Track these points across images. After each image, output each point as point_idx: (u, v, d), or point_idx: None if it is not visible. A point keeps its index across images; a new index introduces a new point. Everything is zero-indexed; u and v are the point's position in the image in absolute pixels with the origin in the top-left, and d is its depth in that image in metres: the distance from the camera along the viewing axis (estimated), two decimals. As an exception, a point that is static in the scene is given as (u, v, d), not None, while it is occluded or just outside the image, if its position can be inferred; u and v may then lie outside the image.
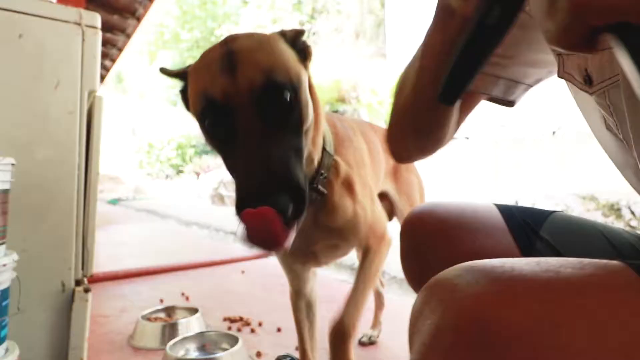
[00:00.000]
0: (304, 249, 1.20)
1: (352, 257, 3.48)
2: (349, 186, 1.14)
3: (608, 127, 0.69)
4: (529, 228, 0.84)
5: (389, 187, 1.65)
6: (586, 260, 0.49)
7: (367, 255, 1.25)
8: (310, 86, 0.93)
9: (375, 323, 2.06)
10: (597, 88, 0.62)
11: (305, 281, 1.45)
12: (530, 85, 0.88)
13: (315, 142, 1.00)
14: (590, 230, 0.83)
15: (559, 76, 0.72)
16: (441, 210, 0.90)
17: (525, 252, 0.83)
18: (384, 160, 1.53)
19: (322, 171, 1.05)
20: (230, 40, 0.84)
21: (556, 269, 0.47)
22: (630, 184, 0.79)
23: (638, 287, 0.45)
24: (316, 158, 1.02)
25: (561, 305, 0.43)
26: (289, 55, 0.86)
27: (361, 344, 1.96)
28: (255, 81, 0.76)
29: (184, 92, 0.93)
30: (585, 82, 0.63)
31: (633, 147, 0.64)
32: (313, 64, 0.95)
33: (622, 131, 0.64)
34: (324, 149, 1.06)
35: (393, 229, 1.25)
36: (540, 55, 0.79)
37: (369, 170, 1.31)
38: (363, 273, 1.27)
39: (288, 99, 0.79)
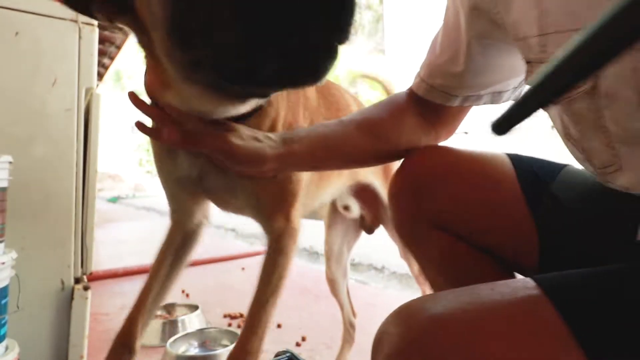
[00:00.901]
0: (196, 177, 0.96)
1: (352, 254, 3.47)
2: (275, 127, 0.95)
3: (567, 136, 0.71)
4: (538, 182, 0.81)
5: (377, 182, 1.46)
6: (498, 289, 0.60)
7: (271, 252, 1.04)
8: None
9: None
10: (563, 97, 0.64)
11: (192, 213, 1.14)
12: (517, 87, 0.91)
13: None
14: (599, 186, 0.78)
15: (526, 82, 0.74)
16: (449, 154, 0.87)
17: (532, 206, 0.80)
18: None
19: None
20: None
21: (476, 292, 0.60)
22: None
23: (540, 311, 0.55)
24: None
25: (477, 330, 0.55)
26: None
27: None
28: None
29: None
30: None
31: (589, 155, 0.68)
32: None
33: (583, 139, 0.67)
34: None
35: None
36: (514, 62, 0.81)
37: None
38: (265, 283, 1.04)
39: None
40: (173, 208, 1.13)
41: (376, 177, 1.47)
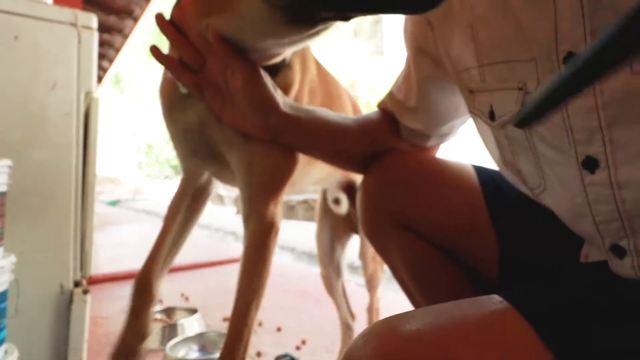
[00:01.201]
0: (197, 141, 0.99)
1: (352, 256, 3.48)
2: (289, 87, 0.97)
3: (503, 161, 0.75)
4: (500, 193, 0.83)
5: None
6: (465, 305, 0.63)
7: (251, 248, 1.03)
8: None
9: None
10: (498, 122, 0.69)
11: (198, 168, 1.16)
12: (464, 121, 0.96)
13: None
14: None
15: (469, 111, 0.77)
16: (416, 159, 0.90)
17: (494, 216, 0.83)
18: None
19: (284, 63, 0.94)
20: None
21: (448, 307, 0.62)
22: None
23: (509, 322, 0.58)
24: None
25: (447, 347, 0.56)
26: None
27: None
28: None
29: None
30: (489, 117, 0.70)
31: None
32: None
33: (518, 162, 0.71)
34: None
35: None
36: (454, 99, 0.86)
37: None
38: (246, 285, 1.04)
39: None
40: (181, 163, 1.16)
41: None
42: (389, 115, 0.97)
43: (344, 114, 1.05)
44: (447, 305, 0.63)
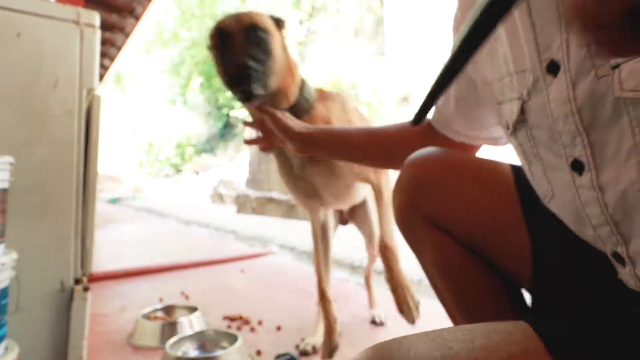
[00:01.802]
0: (305, 185, 1.55)
1: (352, 256, 3.48)
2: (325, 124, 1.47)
3: (524, 168, 0.78)
4: (536, 195, 0.79)
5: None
6: (477, 331, 0.60)
7: (375, 192, 1.56)
8: (284, 48, 1.42)
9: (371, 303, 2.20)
10: (509, 131, 0.74)
11: (318, 211, 1.77)
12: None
13: (287, 83, 1.39)
14: None
15: (499, 123, 0.81)
16: (450, 155, 0.90)
17: (528, 218, 0.81)
18: None
19: (298, 107, 1.42)
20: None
21: (449, 345, 0.57)
22: None
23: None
24: (290, 96, 1.41)
25: None
26: (268, 19, 1.38)
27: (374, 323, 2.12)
28: (245, 22, 1.29)
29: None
30: (506, 126, 0.75)
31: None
32: (286, 32, 1.50)
33: (531, 169, 0.74)
34: (302, 95, 1.44)
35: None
36: (485, 110, 0.91)
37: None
38: (379, 204, 1.56)
39: (262, 35, 1.30)
40: (304, 207, 1.78)
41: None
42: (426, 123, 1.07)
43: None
44: (458, 332, 0.60)
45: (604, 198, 0.58)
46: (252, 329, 2.09)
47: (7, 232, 1.14)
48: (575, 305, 0.71)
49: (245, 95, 1.24)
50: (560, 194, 0.67)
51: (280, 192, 7.23)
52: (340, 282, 3.12)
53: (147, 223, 7.52)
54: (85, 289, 1.42)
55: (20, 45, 1.34)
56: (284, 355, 1.66)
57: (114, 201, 12.77)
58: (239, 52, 1.26)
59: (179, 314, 2.18)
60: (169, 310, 2.21)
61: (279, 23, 1.44)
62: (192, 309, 2.16)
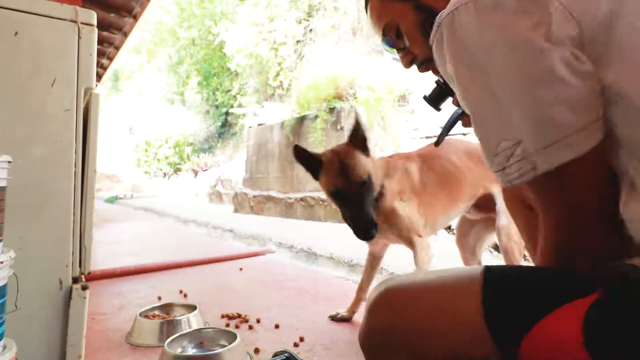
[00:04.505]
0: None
1: (350, 255, 3.48)
2: (391, 200, 1.90)
3: None
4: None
5: (496, 190, 2.08)
6: (452, 270, 0.82)
7: (412, 249, 1.93)
8: (373, 160, 1.87)
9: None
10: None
11: (374, 245, 2.18)
12: None
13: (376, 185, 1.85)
14: None
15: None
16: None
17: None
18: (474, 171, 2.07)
19: (376, 193, 1.85)
20: (337, 153, 1.82)
21: (430, 277, 0.84)
22: None
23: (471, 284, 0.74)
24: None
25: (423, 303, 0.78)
26: (363, 159, 1.80)
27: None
28: (356, 180, 1.74)
29: (314, 169, 1.85)
30: None
31: None
32: (370, 149, 1.87)
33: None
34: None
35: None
36: None
37: (414, 187, 1.98)
38: (416, 262, 1.92)
39: (368, 183, 1.76)
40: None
41: (496, 187, 2.07)
42: None
43: None
44: (439, 272, 0.82)
45: None
46: (251, 327, 2.10)
47: (5, 231, 1.14)
48: None
49: (368, 238, 1.73)
50: None
51: (278, 191, 7.22)
52: (338, 279, 3.13)
53: (146, 222, 7.52)
54: (84, 288, 1.42)
55: (18, 44, 1.33)
56: (282, 353, 1.66)
57: (112, 200, 12.75)
58: (358, 207, 1.71)
59: (177, 312, 2.18)
60: (167, 308, 2.21)
61: (364, 145, 1.82)
62: (191, 308, 2.16)
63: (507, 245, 1.97)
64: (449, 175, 2.03)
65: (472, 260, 2.23)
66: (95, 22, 1.46)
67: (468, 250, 2.28)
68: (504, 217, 1.97)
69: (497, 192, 2.05)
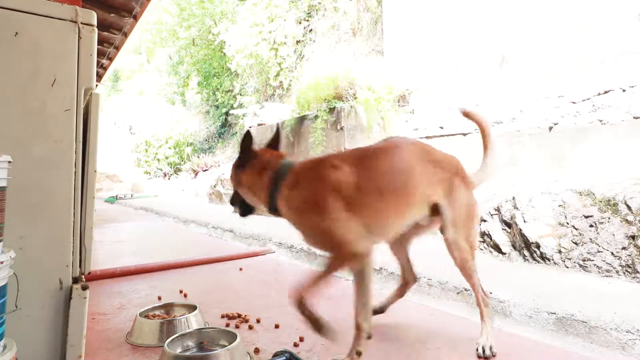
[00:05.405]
0: None
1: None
2: (286, 207, 1.76)
3: None
4: None
5: (442, 200, 1.82)
6: None
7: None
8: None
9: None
10: None
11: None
12: None
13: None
14: None
15: None
16: None
17: None
18: (422, 175, 1.76)
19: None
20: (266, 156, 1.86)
21: None
22: None
23: None
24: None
25: None
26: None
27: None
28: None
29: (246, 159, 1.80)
30: None
31: None
32: None
33: None
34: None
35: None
36: None
37: (338, 194, 1.63)
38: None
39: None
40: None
41: (442, 197, 1.82)
42: None
43: None
44: None
45: None
46: (251, 327, 2.10)
47: (5, 231, 1.14)
48: None
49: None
50: None
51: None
52: (338, 280, 3.13)
53: (146, 222, 7.52)
54: (84, 288, 1.42)
55: (18, 44, 1.34)
56: (282, 352, 1.66)
57: (112, 200, 12.74)
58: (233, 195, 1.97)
59: (177, 312, 2.18)
60: (167, 308, 2.21)
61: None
62: (191, 307, 2.16)
63: (461, 257, 1.84)
64: (392, 180, 1.72)
65: (401, 254, 2.18)
66: (95, 22, 1.47)
67: (397, 248, 2.18)
68: (452, 230, 1.81)
69: (445, 202, 1.82)
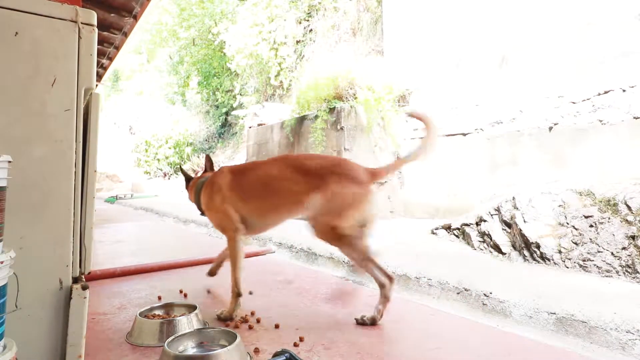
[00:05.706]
0: None
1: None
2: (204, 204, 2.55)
3: None
4: None
5: (315, 200, 2.16)
6: None
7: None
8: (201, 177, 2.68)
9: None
10: None
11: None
12: None
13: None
14: None
15: None
16: None
17: None
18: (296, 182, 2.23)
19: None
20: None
21: None
22: None
23: None
24: None
25: None
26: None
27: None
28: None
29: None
30: None
31: None
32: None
33: None
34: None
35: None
36: None
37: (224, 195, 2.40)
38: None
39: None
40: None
41: (317, 198, 2.16)
42: None
43: None
44: None
45: None
46: (250, 327, 2.10)
47: (5, 231, 1.14)
48: None
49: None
50: None
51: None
52: (338, 280, 3.13)
53: (146, 222, 7.51)
54: (84, 288, 1.42)
55: (18, 44, 1.34)
56: (282, 352, 1.66)
57: (112, 200, 12.74)
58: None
59: (177, 312, 2.18)
60: (167, 308, 2.21)
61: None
62: (191, 307, 2.16)
63: (320, 231, 2.17)
64: (266, 184, 2.32)
65: (365, 263, 2.19)
66: (95, 22, 1.47)
67: (357, 258, 2.22)
68: (318, 216, 2.16)
69: (314, 199, 2.17)
